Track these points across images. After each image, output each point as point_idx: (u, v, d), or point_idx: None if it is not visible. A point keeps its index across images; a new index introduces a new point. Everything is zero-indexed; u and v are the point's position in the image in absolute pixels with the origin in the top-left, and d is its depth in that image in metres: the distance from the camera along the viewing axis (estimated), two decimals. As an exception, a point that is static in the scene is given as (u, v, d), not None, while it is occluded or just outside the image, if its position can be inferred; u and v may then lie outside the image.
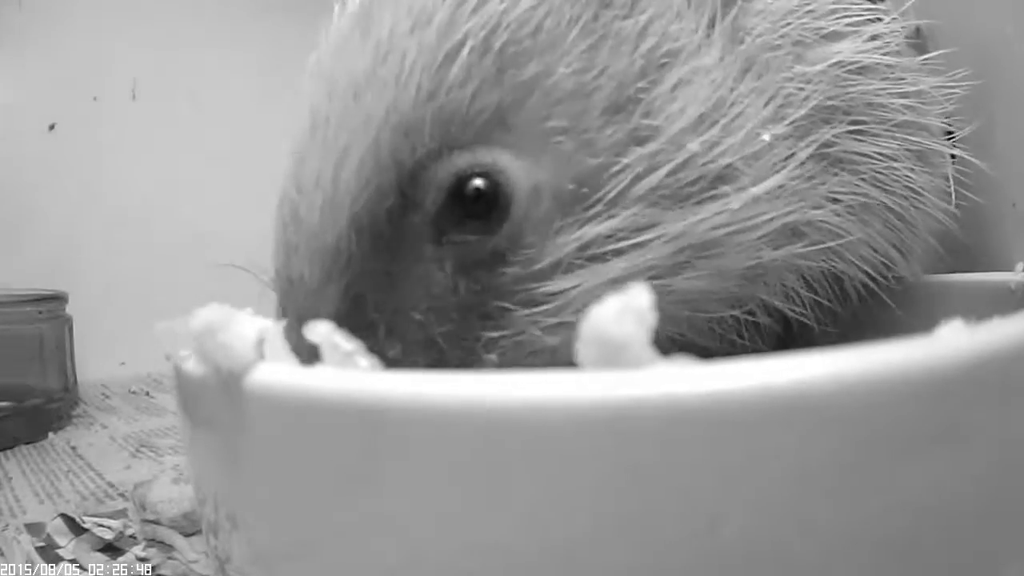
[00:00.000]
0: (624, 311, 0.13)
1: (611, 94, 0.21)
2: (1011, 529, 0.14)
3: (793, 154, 0.23)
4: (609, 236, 0.21)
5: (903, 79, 0.27)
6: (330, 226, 0.21)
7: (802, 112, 0.23)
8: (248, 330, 0.16)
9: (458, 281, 0.21)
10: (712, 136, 0.22)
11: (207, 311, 0.16)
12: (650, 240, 0.21)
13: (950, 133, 0.32)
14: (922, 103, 0.28)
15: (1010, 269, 0.27)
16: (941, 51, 0.30)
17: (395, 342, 0.20)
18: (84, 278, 0.82)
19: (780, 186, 0.23)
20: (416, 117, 0.20)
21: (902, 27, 0.28)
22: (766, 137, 0.23)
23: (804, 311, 0.26)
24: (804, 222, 0.24)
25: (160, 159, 0.90)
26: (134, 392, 0.80)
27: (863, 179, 0.25)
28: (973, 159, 0.31)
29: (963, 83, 0.30)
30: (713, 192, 0.22)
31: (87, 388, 0.76)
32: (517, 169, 0.21)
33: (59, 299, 0.72)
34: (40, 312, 0.69)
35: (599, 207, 0.21)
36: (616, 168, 0.21)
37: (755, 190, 0.22)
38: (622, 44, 0.22)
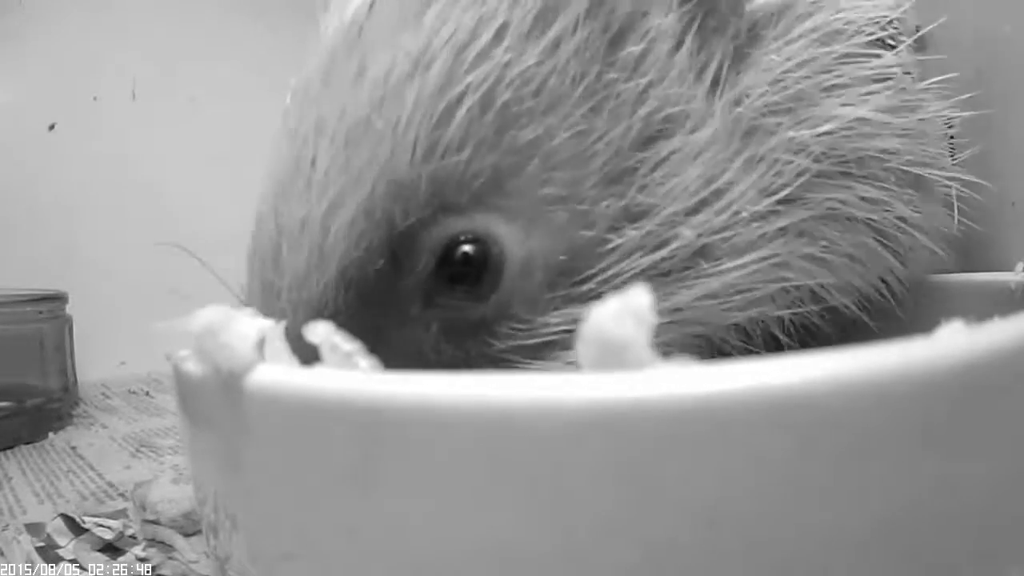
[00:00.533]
0: (623, 312, 0.13)
1: (608, 162, 0.21)
2: (1013, 531, 0.14)
3: (782, 225, 0.23)
4: None
5: (906, 117, 0.26)
6: (316, 276, 0.20)
7: (795, 183, 0.23)
8: (248, 331, 0.16)
9: (444, 346, 0.21)
10: (702, 219, 0.22)
11: (207, 311, 0.16)
12: None
13: (951, 140, 0.32)
14: (923, 131, 0.27)
15: (1010, 269, 0.27)
16: (941, 51, 0.30)
17: None
18: (84, 278, 0.82)
19: (763, 257, 0.23)
20: (412, 178, 0.20)
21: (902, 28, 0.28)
22: (745, 214, 0.22)
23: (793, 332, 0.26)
24: (792, 286, 0.24)
25: (160, 159, 0.90)
26: (134, 392, 0.80)
27: (856, 225, 0.25)
28: (965, 161, 0.31)
29: (966, 105, 0.30)
30: (694, 268, 0.22)
31: (87, 388, 0.77)
32: (511, 237, 0.21)
33: (59, 299, 0.72)
34: (40, 312, 0.69)
35: (590, 284, 0.21)
36: (610, 246, 0.21)
37: (732, 264, 0.22)
38: (621, 107, 0.21)
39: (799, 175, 0.23)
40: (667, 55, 0.22)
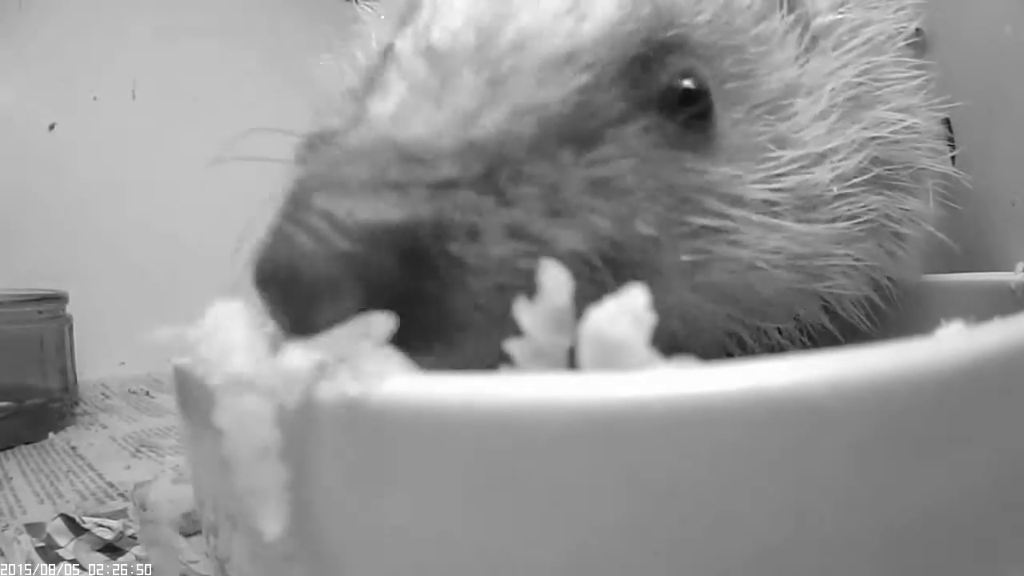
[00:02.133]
0: (621, 313, 0.13)
1: (769, 94, 0.24)
2: (1013, 530, 0.14)
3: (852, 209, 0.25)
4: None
5: (925, 124, 0.28)
6: (566, 70, 0.21)
7: (860, 174, 0.25)
8: (299, 360, 0.15)
9: (650, 157, 0.21)
10: (825, 168, 0.24)
11: (212, 319, 0.15)
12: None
13: (950, 136, 0.32)
14: (929, 128, 0.29)
15: (1010, 269, 0.27)
16: (940, 52, 0.30)
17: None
18: (84, 278, 0.82)
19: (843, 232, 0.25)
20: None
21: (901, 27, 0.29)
22: (835, 189, 0.25)
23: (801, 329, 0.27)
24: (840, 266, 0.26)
25: (160, 159, 0.90)
26: (134, 392, 0.80)
27: (878, 216, 0.26)
28: (965, 161, 0.31)
29: (966, 105, 0.31)
30: (804, 211, 0.24)
31: (87, 388, 0.76)
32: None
33: (59, 299, 0.72)
34: (40, 312, 0.69)
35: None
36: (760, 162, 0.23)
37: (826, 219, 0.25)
38: (773, 63, 0.25)
39: (862, 163, 0.25)
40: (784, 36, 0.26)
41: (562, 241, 0.19)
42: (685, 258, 0.21)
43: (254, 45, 0.95)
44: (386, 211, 0.17)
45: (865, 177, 0.25)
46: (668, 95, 0.22)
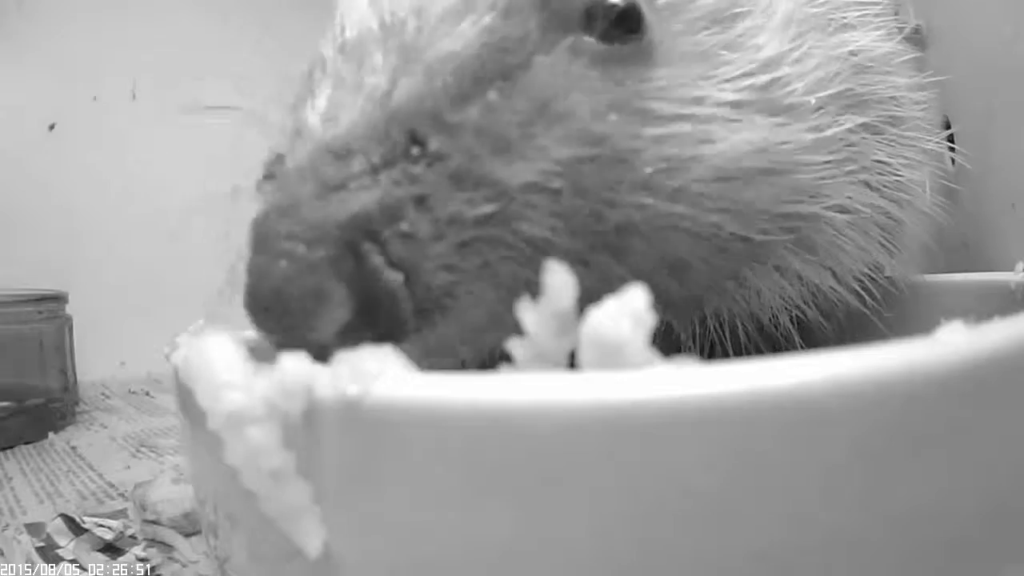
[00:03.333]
0: (621, 313, 0.13)
1: (715, 5, 0.23)
2: (1011, 530, 0.14)
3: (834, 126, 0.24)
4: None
5: (901, 71, 0.27)
6: None
7: (833, 90, 0.24)
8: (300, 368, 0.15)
9: (589, 75, 0.21)
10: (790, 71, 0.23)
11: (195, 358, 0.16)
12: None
13: (948, 129, 0.32)
14: (920, 96, 0.28)
15: (1010, 269, 0.27)
16: (940, 52, 0.30)
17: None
18: (84, 278, 0.82)
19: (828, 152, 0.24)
20: None
21: (901, 25, 0.29)
22: (812, 100, 0.24)
23: (799, 314, 0.26)
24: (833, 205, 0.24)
25: (160, 159, 0.90)
26: (134, 392, 0.80)
27: (863, 181, 0.26)
28: (965, 162, 0.31)
29: (966, 105, 0.30)
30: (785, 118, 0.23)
31: (87, 388, 0.77)
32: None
33: (59, 299, 0.72)
34: (40, 312, 0.69)
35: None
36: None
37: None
38: None
39: (834, 81, 0.25)
40: None
41: (514, 176, 0.19)
42: (648, 170, 0.20)
43: (255, 45, 0.95)
44: (335, 213, 0.18)
45: (843, 102, 0.24)
46: (591, 13, 0.21)
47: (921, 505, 0.13)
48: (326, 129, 0.20)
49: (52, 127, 0.89)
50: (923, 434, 0.13)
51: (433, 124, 0.19)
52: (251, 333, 0.18)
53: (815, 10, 0.25)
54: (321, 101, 0.20)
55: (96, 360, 0.81)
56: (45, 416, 0.65)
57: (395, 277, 0.18)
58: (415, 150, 0.19)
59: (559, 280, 0.14)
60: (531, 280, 0.17)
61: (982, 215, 0.35)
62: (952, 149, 0.34)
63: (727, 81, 0.22)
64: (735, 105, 0.22)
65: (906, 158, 0.27)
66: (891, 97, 0.26)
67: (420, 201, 0.18)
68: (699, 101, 0.22)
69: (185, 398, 0.18)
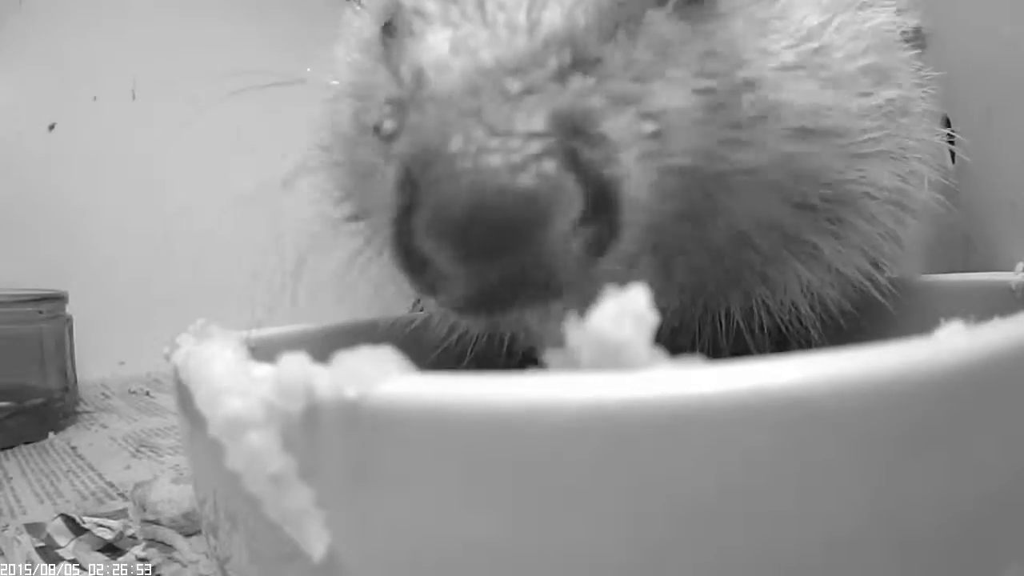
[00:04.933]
0: (622, 313, 0.13)
1: None
2: (1011, 529, 0.14)
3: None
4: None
5: (909, 60, 0.28)
6: None
7: (865, 62, 0.25)
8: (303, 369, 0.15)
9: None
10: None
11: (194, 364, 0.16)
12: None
13: (948, 126, 0.32)
14: (923, 91, 0.29)
15: (1010, 269, 0.27)
16: (940, 52, 0.30)
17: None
18: (84, 278, 0.82)
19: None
20: None
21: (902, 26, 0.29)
22: (852, 67, 0.24)
23: (801, 315, 0.27)
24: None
25: (160, 159, 0.90)
26: (134, 392, 0.80)
27: (891, 161, 0.26)
28: (965, 161, 0.31)
29: (966, 105, 0.30)
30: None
31: (87, 388, 0.76)
32: None
33: (59, 299, 0.72)
34: (40, 312, 0.69)
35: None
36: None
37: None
38: None
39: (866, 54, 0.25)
40: None
41: (668, 100, 0.19)
42: (749, 113, 0.21)
43: (255, 46, 0.95)
44: (534, 112, 0.16)
45: (873, 75, 0.25)
46: None
47: (921, 505, 0.13)
48: (466, 58, 0.18)
49: (52, 127, 0.89)
50: (923, 434, 0.13)
51: (583, 54, 0.19)
52: (251, 333, 0.19)
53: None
54: (442, 39, 0.19)
55: (96, 360, 0.81)
56: (45, 416, 0.64)
57: (617, 171, 0.17)
58: (573, 73, 0.18)
59: (615, 308, 0.14)
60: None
61: (982, 215, 0.35)
62: (952, 148, 0.34)
63: (783, 46, 0.23)
64: (793, 66, 0.23)
65: (914, 144, 0.27)
66: (900, 80, 0.27)
67: (603, 112, 0.18)
68: (768, 54, 0.23)
69: (185, 399, 0.18)
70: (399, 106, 0.19)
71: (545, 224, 0.16)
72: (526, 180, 0.15)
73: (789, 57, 0.23)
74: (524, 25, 0.19)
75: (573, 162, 0.16)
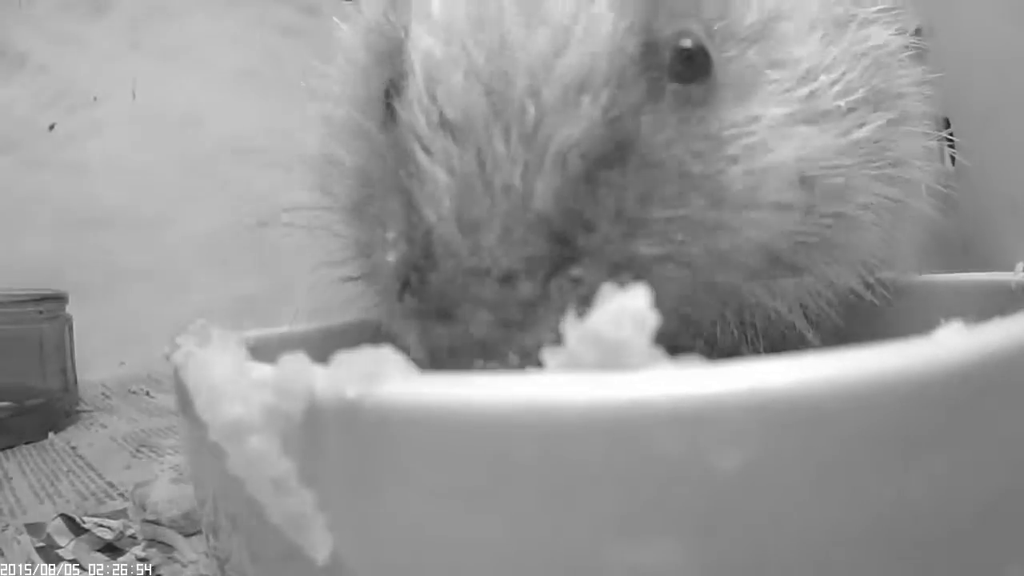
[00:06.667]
0: (622, 313, 0.13)
1: (754, 22, 0.24)
2: (1011, 530, 0.14)
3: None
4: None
5: (908, 67, 0.28)
6: (577, 52, 0.20)
7: (860, 92, 0.25)
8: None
9: (670, 120, 0.22)
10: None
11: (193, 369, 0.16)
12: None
13: (950, 135, 0.32)
14: (923, 93, 0.29)
15: (1010, 269, 0.27)
16: (940, 52, 0.30)
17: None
18: (84, 278, 0.82)
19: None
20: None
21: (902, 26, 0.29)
22: (843, 104, 0.25)
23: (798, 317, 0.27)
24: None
25: (160, 159, 0.91)
26: (134, 392, 0.80)
27: (885, 175, 0.26)
28: (965, 161, 0.31)
29: (966, 104, 0.30)
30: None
31: (87, 388, 0.77)
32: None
33: (59, 299, 0.72)
34: (40, 312, 0.69)
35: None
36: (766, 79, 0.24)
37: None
38: None
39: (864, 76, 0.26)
40: None
41: (650, 252, 0.20)
42: (735, 187, 0.22)
43: (255, 46, 0.95)
44: (526, 348, 0.18)
45: (869, 101, 0.25)
46: (676, 61, 0.22)
47: (920, 505, 0.13)
48: (468, 243, 0.19)
49: (52, 127, 0.89)
50: (923, 434, 0.13)
51: (576, 222, 0.20)
52: (250, 333, 0.19)
53: (838, 9, 0.26)
54: (444, 199, 0.20)
55: (96, 360, 0.81)
56: (45, 416, 0.64)
57: None
58: (567, 251, 0.19)
59: (615, 308, 0.14)
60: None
61: (982, 215, 0.35)
62: (952, 147, 0.34)
63: (775, 95, 0.23)
64: (783, 120, 0.23)
65: (912, 154, 0.27)
66: (900, 94, 0.27)
67: (585, 302, 0.18)
68: (756, 120, 0.23)
69: (185, 401, 0.18)
70: (412, 269, 0.21)
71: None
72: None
73: (778, 111, 0.23)
74: (519, 192, 0.20)
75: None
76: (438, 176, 0.20)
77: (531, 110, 0.20)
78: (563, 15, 0.21)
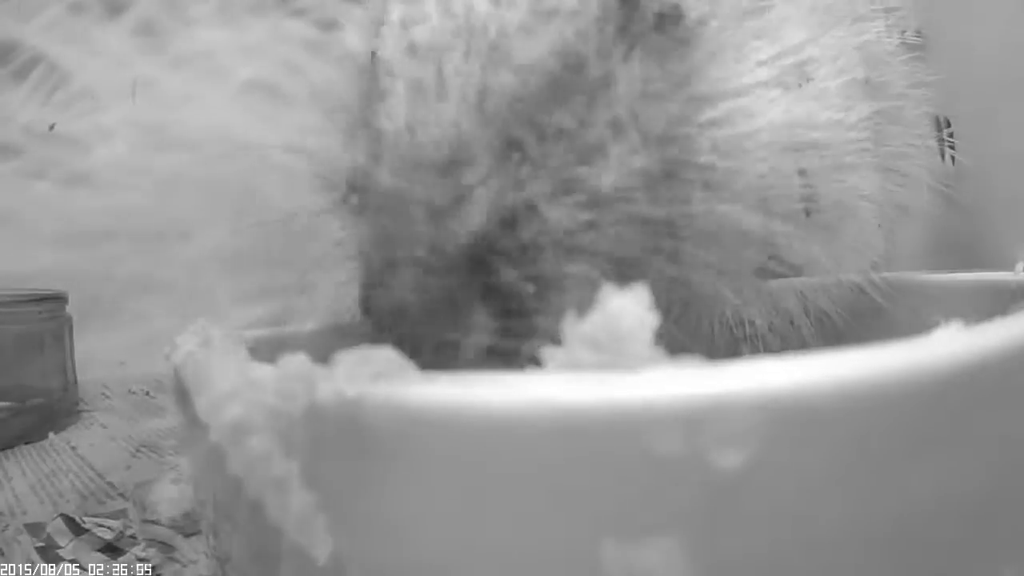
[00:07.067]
0: (622, 313, 0.13)
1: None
2: (1009, 530, 0.14)
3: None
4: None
5: (904, 67, 0.28)
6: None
7: (852, 78, 0.25)
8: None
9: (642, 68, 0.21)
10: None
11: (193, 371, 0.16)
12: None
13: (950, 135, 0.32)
14: (920, 93, 0.29)
15: (1010, 269, 0.27)
16: (940, 52, 0.31)
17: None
18: (84, 278, 0.82)
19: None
20: None
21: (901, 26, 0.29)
22: (832, 85, 0.24)
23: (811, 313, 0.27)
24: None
25: (159, 159, 0.90)
26: (134, 392, 0.79)
27: (880, 167, 0.26)
28: (965, 161, 0.31)
29: (966, 104, 0.30)
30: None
31: (87, 388, 0.76)
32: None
33: (59, 299, 0.72)
34: (40, 312, 0.69)
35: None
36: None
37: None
38: None
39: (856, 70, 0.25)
40: None
41: (604, 184, 0.20)
42: (706, 158, 0.21)
43: (255, 46, 0.95)
44: (456, 234, 0.18)
45: (861, 90, 0.25)
46: (656, 18, 0.22)
47: (919, 506, 0.13)
48: (417, 139, 0.19)
49: (52, 127, 0.89)
50: (922, 434, 0.13)
51: (529, 128, 0.19)
52: (251, 332, 0.19)
53: (835, 1, 0.26)
54: (400, 108, 0.20)
55: (96, 360, 0.81)
56: (45, 416, 0.64)
57: (528, 289, 0.18)
58: (515, 155, 0.19)
59: (615, 308, 0.14)
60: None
61: (982, 215, 0.35)
62: (952, 148, 0.34)
63: (762, 66, 0.23)
64: (765, 84, 0.23)
65: (911, 151, 0.27)
66: (897, 92, 0.27)
67: (531, 208, 0.18)
68: (739, 82, 0.22)
69: (185, 402, 0.18)
70: (359, 174, 0.21)
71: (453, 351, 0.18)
72: (433, 318, 0.18)
73: (763, 74, 0.23)
74: (474, 93, 0.19)
75: (483, 290, 0.18)
76: (396, 88, 0.20)
77: (493, 31, 0.20)
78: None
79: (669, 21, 0.22)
